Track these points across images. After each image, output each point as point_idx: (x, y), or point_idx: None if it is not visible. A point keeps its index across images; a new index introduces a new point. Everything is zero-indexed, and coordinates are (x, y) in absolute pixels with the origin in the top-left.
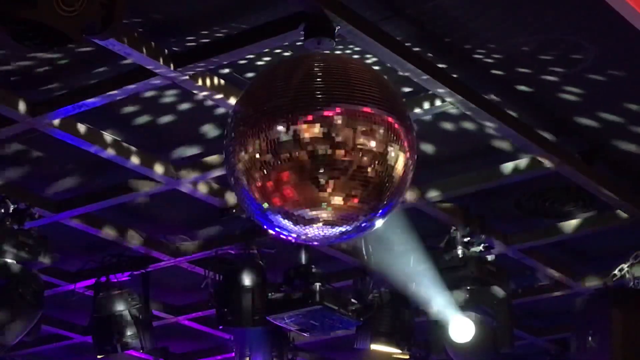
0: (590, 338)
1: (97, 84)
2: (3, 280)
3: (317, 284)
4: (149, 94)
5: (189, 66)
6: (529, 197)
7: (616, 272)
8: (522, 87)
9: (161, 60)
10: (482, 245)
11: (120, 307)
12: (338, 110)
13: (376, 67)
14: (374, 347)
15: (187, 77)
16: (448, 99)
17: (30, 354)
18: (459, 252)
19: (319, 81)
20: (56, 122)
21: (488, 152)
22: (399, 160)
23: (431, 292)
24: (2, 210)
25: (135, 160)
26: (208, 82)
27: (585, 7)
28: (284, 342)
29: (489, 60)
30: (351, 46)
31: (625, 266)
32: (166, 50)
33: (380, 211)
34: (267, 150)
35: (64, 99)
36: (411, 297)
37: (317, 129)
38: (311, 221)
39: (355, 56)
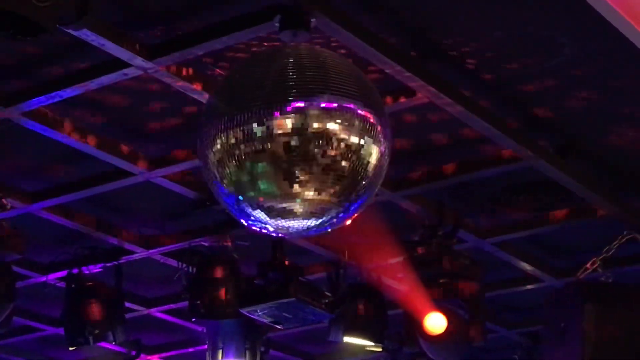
0: (562, 331)
1: (71, 75)
2: None
3: (291, 277)
4: (123, 85)
5: (164, 57)
6: (503, 191)
7: (588, 265)
8: (497, 81)
9: (135, 51)
10: (456, 238)
11: (92, 299)
12: (313, 103)
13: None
14: (347, 339)
15: (161, 68)
16: (422, 92)
17: (2, 346)
18: (433, 245)
19: (294, 74)
20: (29, 112)
21: (462, 145)
22: (374, 153)
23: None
24: None
25: (109, 152)
26: (182, 73)
27: (561, 2)
28: (257, 335)
29: (463, 53)
30: (327, 39)
31: (597, 260)
32: (141, 42)
33: (354, 204)
34: (241, 142)
35: (38, 89)
36: (384, 290)
37: (291, 122)
38: (285, 214)
39: (332, 49)
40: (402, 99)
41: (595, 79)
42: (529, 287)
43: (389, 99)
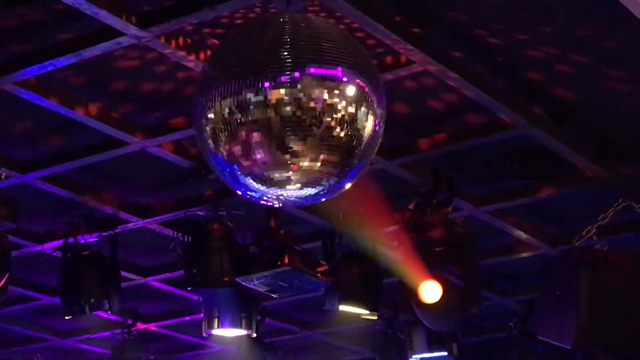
0: (557, 299)
1: (65, 44)
2: None
3: (286, 246)
4: (117, 54)
5: (158, 26)
6: (498, 159)
7: (583, 233)
8: (492, 48)
9: (129, 20)
10: (451, 207)
11: (88, 268)
12: (307, 71)
13: (345, 27)
14: (343, 308)
15: (155, 37)
16: (417, 60)
17: None
18: (428, 213)
19: (288, 42)
20: (22, 82)
21: (457, 113)
22: (369, 122)
23: (400, 254)
24: None
25: (103, 121)
26: (176, 42)
27: None
28: (253, 304)
29: (458, 21)
30: (322, 7)
31: (592, 227)
32: (135, 10)
33: (349, 173)
34: (235, 111)
35: (31, 58)
36: (379, 258)
37: (286, 91)
38: (279, 183)
39: (325, 17)
40: (397, 67)
41: (590, 45)
42: (523, 255)
43: (383, 68)
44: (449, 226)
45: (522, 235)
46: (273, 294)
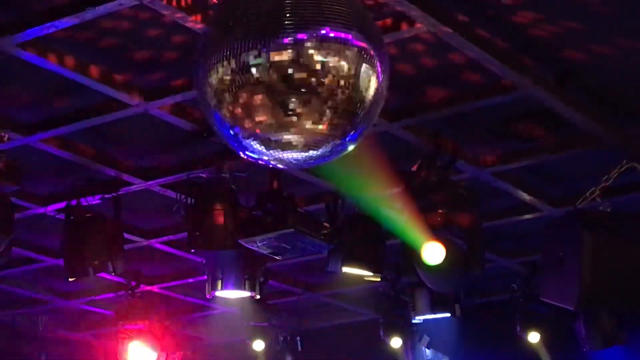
0: (560, 260)
1: (66, 5)
2: None
3: (289, 208)
4: (118, 15)
5: None
6: (502, 121)
7: (587, 195)
8: (495, 10)
9: None
10: (454, 168)
11: (91, 230)
12: (309, 33)
13: None
14: (346, 270)
15: None
16: (420, 21)
17: (1, 277)
18: (431, 176)
19: (290, 3)
20: (24, 44)
21: (460, 75)
22: (371, 84)
23: (403, 215)
24: None
25: (105, 83)
26: (177, 3)
27: None
28: (256, 265)
29: None
30: None
31: (596, 189)
32: None
33: (352, 135)
34: (237, 73)
35: (32, 20)
36: (382, 220)
37: (287, 52)
38: (282, 145)
39: None
40: (401, 29)
41: (595, 4)
42: (527, 216)
43: (387, 29)
44: (452, 188)
45: (525, 196)
46: (276, 256)
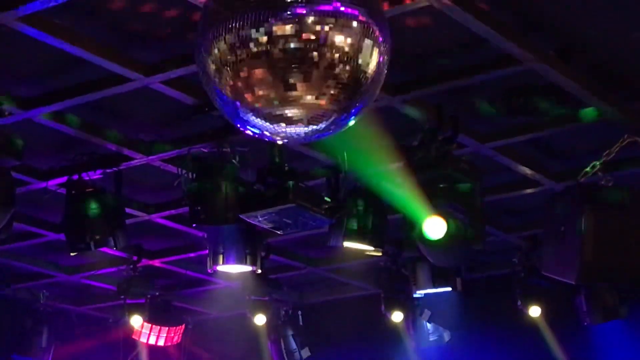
0: (561, 235)
1: None
2: None
3: (291, 182)
4: None
5: None
6: (503, 95)
7: (588, 169)
8: None
9: None
10: (455, 143)
11: (92, 205)
12: (311, 7)
13: None
14: (347, 244)
15: None
16: None
17: (3, 251)
18: (432, 150)
19: None
20: (25, 18)
21: (462, 49)
22: (373, 58)
23: (404, 190)
24: None
25: (106, 57)
26: None
27: None
28: (258, 240)
29: None
30: None
31: (597, 163)
32: None
33: (353, 109)
34: (238, 47)
35: None
36: (384, 195)
37: (288, 26)
38: (283, 119)
39: None
40: (403, 2)
41: None
42: (528, 190)
43: (388, 3)
44: (454, 162)
45: (527, 171)
46: (277, 230)
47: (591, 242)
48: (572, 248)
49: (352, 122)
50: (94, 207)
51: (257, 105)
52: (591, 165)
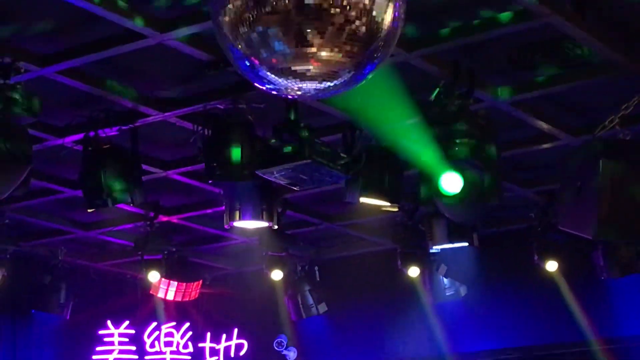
0: (578, 189)
1: None
2: None
3: (307, 138)
4: None
5: None
6: (520, 50)
7: (606, 123)
8: None
9: None
10: (472, 98)
11: (109, 161)
12: None
13: None
14: (363, 200)
15: None
16: None
17: (21, 207)
18: (449, 105)
19: None
20: None
21: (478, 3)
22: (388, 13)
23: (420, 146)
24: None
25: (121, 13)
26: None
27: None
28: (274, 196)
29: None
30: None
31: (615, 117)
32: None
33: (369, 65)
34: (253, 3)
35: None
36: (400, 150)
37: None
38: (299, 75)
39: None
40: None
41: None
42: (545, 145)
43: None
44: (470, 117)
45: (544, 126)
46: (294, 186)
47: (608, 196)
48: (588, 203)
49: (367, 78)
50: (110, 163)
51: (272, 61)
52: (609, 119)
